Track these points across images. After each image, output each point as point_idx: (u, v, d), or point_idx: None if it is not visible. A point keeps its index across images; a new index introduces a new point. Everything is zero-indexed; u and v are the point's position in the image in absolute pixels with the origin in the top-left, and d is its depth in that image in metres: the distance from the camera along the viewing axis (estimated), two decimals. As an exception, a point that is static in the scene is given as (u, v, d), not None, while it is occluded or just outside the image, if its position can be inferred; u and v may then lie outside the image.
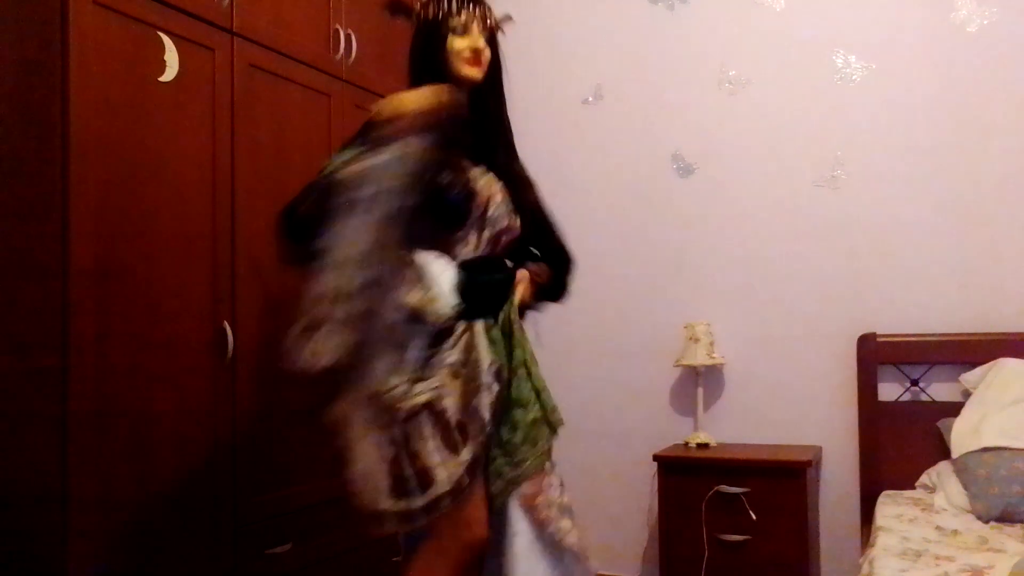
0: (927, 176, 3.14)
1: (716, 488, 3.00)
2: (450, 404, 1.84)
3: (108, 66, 2.09)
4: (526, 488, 1.97)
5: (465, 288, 1.94)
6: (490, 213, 2.02)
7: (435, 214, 1.93)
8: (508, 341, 2.00)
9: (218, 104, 2.40)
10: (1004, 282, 3.03)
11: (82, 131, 2.00)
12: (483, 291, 1.99)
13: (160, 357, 2.20)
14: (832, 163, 3.27)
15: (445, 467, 1.80)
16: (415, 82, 2.03)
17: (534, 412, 1.99)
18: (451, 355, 1.89)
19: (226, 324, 2.38)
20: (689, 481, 3.05)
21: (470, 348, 1.92)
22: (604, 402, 3.54)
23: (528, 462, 1.96)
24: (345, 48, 2.90)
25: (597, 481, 3.46)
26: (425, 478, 1.78)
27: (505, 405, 1.96)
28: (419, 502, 1.78)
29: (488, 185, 2.03)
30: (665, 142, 3.50)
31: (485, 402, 1.89)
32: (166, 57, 2.26)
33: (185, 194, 2.30)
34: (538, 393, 2.01)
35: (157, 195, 2.22)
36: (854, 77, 3.25)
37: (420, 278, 1.88)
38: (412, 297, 1.85)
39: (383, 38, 3.05)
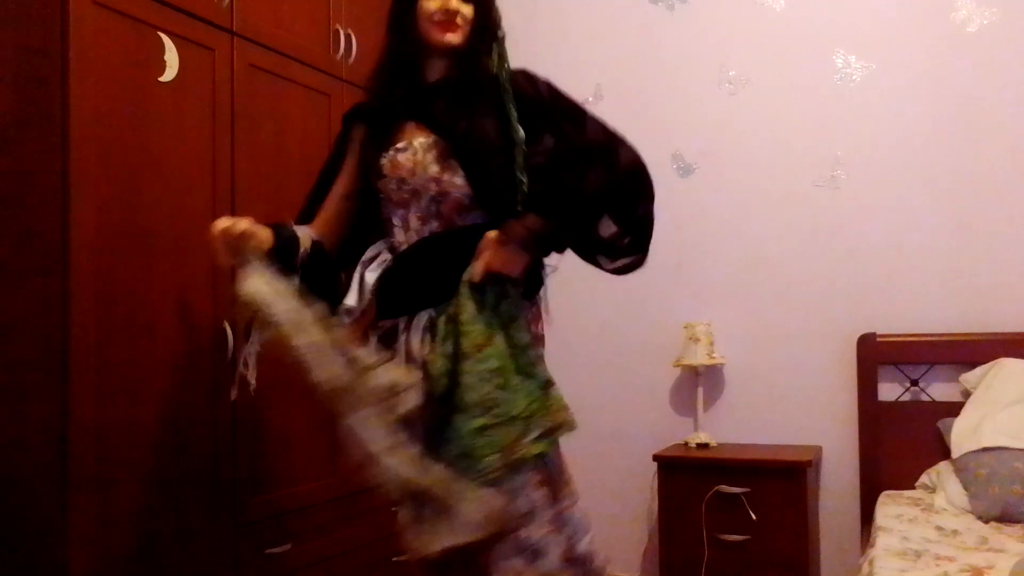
0: (927, 176, 3.14)
1: (716, 488, 3.00)
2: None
3: (108, 66, 2.09)
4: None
5: (392, 280, 1.77)
6: (419, 186, 1.78)
7: (370, 199, 1.85)
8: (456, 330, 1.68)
9: (218, 104, 2.40)
10: (1004, 282, 3.03)
11: (82, 131, 2.00)
12: (413, 280, 1.76)
13: (160, 357, 2.20)
14: (832, 163, 3.27)
15: None
16: (386, 50, 1.89)
17: (482, 419, 1.62)
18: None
19: (226, 324, 2.37)
20: (689, 481, 3.05)
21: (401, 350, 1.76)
22: (604, 402, 3.54)
23: (468, 494, 1.60)
24: (345, 48, 2.90)
25: (597, 481, 3.46)
26: None
27: (446, 412, 1.66)
28: None
29: (420, 156, 1.79)
30: (665, 142, 3.50)
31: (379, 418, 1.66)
32: (166, 57, 2.25)
33: (185, 194, 2.30)
34: (501, 392, 1.65)
35: (157, 195, 2.22)
36: (854, 77, 3.25)
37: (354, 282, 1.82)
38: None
39: (383, 38, 3.05)
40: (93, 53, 2.04)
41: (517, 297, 1.74)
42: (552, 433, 1.70)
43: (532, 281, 1.82)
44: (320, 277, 1.88)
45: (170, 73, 2.26)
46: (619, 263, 1.81)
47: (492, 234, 1.70)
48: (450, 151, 1.76)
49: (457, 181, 1.76)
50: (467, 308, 1.67)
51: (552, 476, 1.74)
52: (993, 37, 3.07)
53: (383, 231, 1.91)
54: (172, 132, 2.27)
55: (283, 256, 1.81)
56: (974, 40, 3.09)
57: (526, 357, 1.71)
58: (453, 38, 1.80)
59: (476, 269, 1.69)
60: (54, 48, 1.98)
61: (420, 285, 1.76)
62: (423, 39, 1.82)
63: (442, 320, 1.70)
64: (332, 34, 2.86)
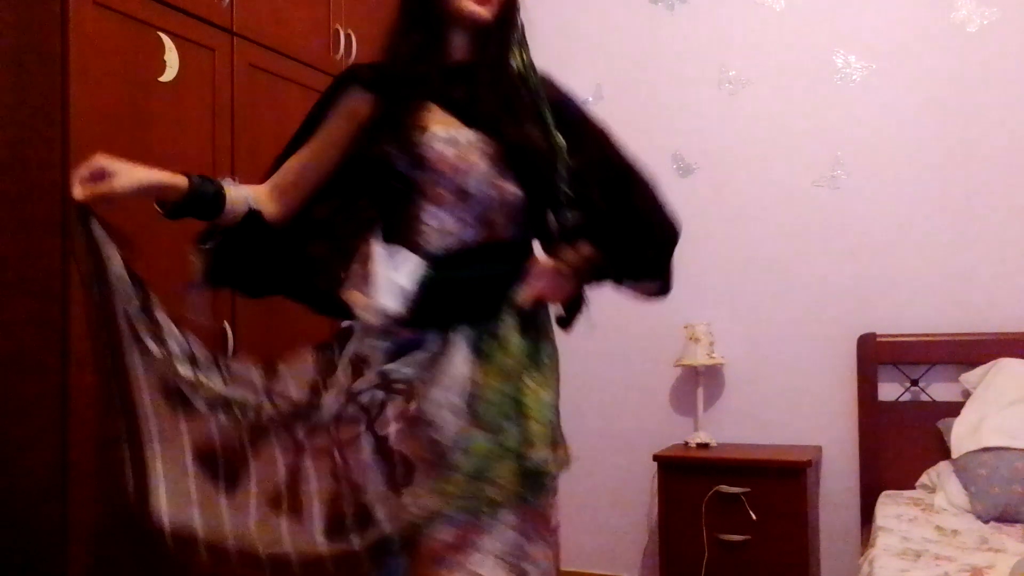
0: (927, 176, 3.14)
1: (716, 488, 2.99)
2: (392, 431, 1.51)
3: (108, 66, 2.09)
4: (441, 534, 1.46)
5: (429, 289, 1.54)
6: (470, 187, 1.57)
7: (381, 188, 1.61)
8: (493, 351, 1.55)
9: (218, 104, 2.40)
10: (1004, 282, 3.03)
11: (82, 131, 2.00)
12: (455, 292, 1.57)
13: (160, 357, 2.20)
14: (832, 163, 3.27)
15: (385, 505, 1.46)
16: (404, 18, 1.72)
17: (494, 442, 1.49)
18: (405, 370, 1.54)
19: (226, 324, 2.37)
20: (689, 481, 3.05)
21: (431, 365, 1.54)
22: (604, 402, 3.54)
23: (456, 500, 1.46)
24: (345, 48, 2.90)
25: (597, 481, 3.46)
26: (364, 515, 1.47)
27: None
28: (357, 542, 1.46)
29: (466, 151, 1.58)
30: (665, 142, 3.50)
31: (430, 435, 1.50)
32: (166, 57, 2.26)
33: (185, 194, 2.30)
34: (506, 420, 1.51)
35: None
36: (854, 77, 3.25)
37: (367, 275, 1.58)
38: (355, 297, 1.57)
39: (383, 38, 3.05)
40: (93, 53, 2.04)
41: (550, 323, 1.70)
42: (547, 480, 1.56)
43: (573, 309, 1.76)
44: (249, 247, 1.73)
45: (170, 73, 2.27)
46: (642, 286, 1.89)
47: (548, 261, 1.64)
48: (503, 156, 1.59)
49: (511, 189, 1.60)
50: (511, 328, 1.57)
51: (527, 521, 1.55)
52: (993, 37, 3.07)
53: (402, 225, 1.62)
54: (172, 132, 2.27)
55: (195, 211, 1.67)
56: (974, 40, 3.09)
57: (550, 386, 1.62)
58: (484, 11, 1.64)
59: (526, 294, 1.59)
60: (54, 48, 1.98)
61: (463, 299, 1.58)
62: (447, 8, 1.65)
63: (485, 340, 1.56)
64: (332, 34, 2.86)
